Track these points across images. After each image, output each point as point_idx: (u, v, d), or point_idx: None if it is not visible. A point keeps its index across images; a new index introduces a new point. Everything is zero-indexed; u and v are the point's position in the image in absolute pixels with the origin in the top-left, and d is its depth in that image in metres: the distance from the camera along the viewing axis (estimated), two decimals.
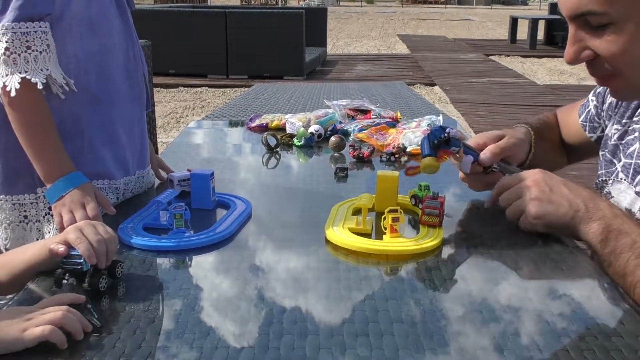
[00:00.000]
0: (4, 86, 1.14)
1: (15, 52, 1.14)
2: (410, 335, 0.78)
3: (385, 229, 1.07)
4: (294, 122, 1.91)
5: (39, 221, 1.29)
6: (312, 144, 1.80)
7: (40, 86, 1.15)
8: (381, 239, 1.08)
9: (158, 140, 3.47)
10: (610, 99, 1.26)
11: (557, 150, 1.42)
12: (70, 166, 1.20)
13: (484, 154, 1.24)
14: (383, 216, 1.09)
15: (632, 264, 0.94)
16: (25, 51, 1.14)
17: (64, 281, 0.88)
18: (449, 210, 1.20)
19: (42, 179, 1.21)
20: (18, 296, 0.91)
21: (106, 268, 0.92)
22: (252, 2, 24.53)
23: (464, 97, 7.07)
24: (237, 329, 0.80)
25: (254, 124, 2.03)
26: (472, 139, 1.30)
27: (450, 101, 6.89)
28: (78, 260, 0.88)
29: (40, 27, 1.15)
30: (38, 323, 0.75)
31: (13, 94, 1.13)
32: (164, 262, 1.02)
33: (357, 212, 1.20)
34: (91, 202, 1.17)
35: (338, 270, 0.98)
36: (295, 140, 1.81)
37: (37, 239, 1.30)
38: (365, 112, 2.17)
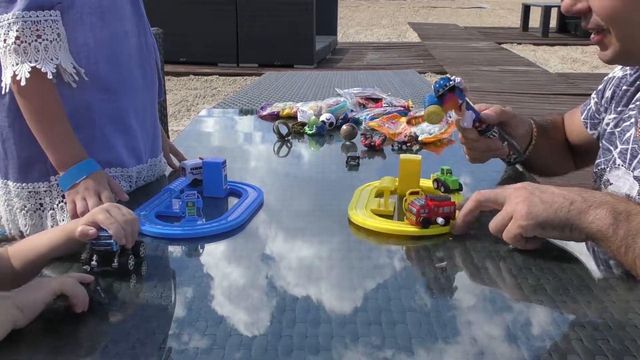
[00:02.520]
0: (14, 75, 1.14)
1: (26, 41, 1.14)
2: (424, 324, 0.78)
3: (407, 211, 1.07)
4: (306, 111, 1.90)
5: (53, 209, 1.30)
6: (324, 133, 1.80)
7: (50, 76, 1.15)
8: (403, 220, 1.08)
9: (169, 128, 3.47)
10: (608, 91, 1.28)
11: (562, 152, 1.43)
12: (84, 153, 1.21)
13: (487, 112, 1.27)
14: (405, 198, 1.09)
15: None
16: (36, 40, 1.14)
17: (92, 262, 0.90)
18: (469, 197, 1.19)
19: (55, 167, 1.21)
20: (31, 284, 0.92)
21: (131, 248, 0.94)
22: None
23: (476, 86, 7.01)
24: (249, 317, 0.81)
25: (265, 113, 2.03)
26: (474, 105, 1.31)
27: None
28: (108, 241, 0.90)
29: (50, 15, 1.15)
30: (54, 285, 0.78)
31: (23, 83, 1.13)
32: (176, 250, 1.03)
33: (379, 194, 1.21)
34: (105, 190, 1.17)
35: (350, 258, 0.98)
36: (306, 128, 1.81)
37: (52, 227, 1.31)
38: (377, 100, 2.16)
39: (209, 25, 8.15)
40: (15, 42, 1.13)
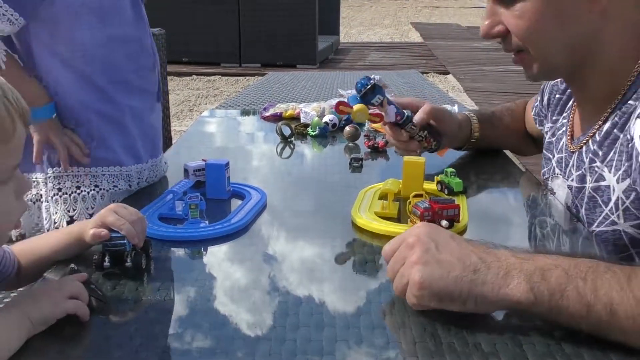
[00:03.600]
0: None
1: None
2: (428, 327, 0.77)
3: (411, 213, 1.07)
4: (308, 112, 1.90)
5: (47, 201, 1.30)
6: (327, 134, 1.79)
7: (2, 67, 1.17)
8: (407, 223, 1.08)
9: (172, 128, 3.47)
10: (546, 96, 1.34)
11: (520, 138, 1.53)
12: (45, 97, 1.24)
13: (419, 114, 1.34)
14: (408, 201, 1.09)
15: (588, 290, 0.72)
16: None
17: (105, 264, 0.92)
18: (473, 199, 1.19)
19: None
20: (36, 286, 0.91)
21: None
22: None
23: (479, 86, 7.01)
24: (253, 320, 0.80)
25: (267, 114, 2.03)
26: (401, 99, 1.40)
27: (464, 90, 6.83)
28: (122, 241, 0.91)
29: None
30: (65, 295, 0.78)
31: None
32: (179, 252, 1.03)
33: (383, 196, 1.21)
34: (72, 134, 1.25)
35: (354, 261, 0.98)
36: (309, 129, 1.80)
37: (46, 219, 1.31)
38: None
39: (211, 25, 8.16)
40: None
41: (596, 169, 1.03)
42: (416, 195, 1.10)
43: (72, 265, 0.89)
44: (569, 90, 1.22)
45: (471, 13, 19.45)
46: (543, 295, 0.73)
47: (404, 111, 1.33)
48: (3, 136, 0.70)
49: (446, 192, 1.23)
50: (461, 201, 1.17)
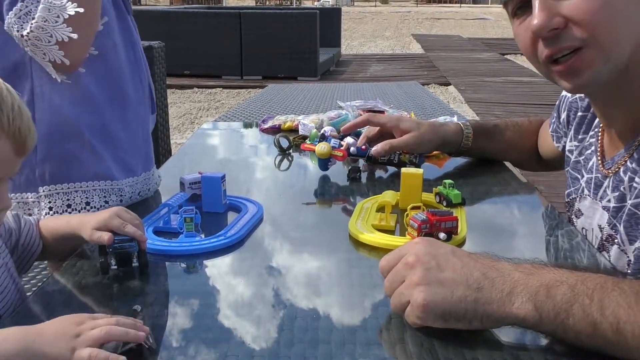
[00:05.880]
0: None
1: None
2: (425, 343, 0.76)
3: (408, 225, 1.05)
4: (307, 124, 1.89)
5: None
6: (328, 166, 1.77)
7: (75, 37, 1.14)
8: (404, 235, 1.06)
9: (172, 141, 3.47)
10: (564, 113, 1.30)
11: (523, 153, 1.52)
12: None
13: (375, 148, 1.44)
14: (406, 213, 1.07)
15: (595, 308, 0.71)
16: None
17: (112, 266, 0.94)
18: (471, 211, 1.17)
19: None
20: (65, 265, 0.97)
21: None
22: (267, 3, 24.54)
23: (480, 97, 7.01)
24: (247, 336, 0.79)
25: (266, 126, 2.02)
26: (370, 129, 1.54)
27: (465, 101, 6.84)
28: (129, 243, 0.93)
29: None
30: (86, 342, 0.70)
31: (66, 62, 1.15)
32: (174, 266, 1.01)
33: (381, 209, 1.19)
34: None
35: (350, 275, 0.96)
36: (307, 141, 1.79)
37: None
38: (379, 112, 2.15)
39: (213, 38, 8.19)
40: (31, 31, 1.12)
41: (635, 184, 0.98)
42: (414, 208, 1.09)
43: (137, 306, 0.81)
44: (592, 108, 1.15)
45: (472, 25, 19.52)
46: (548, 314, 0.71)
47: (364, 147, 1.46)
48: None
49: (445, 204, 1.22)
50: (460, 213, 1.15)
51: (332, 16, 9.81)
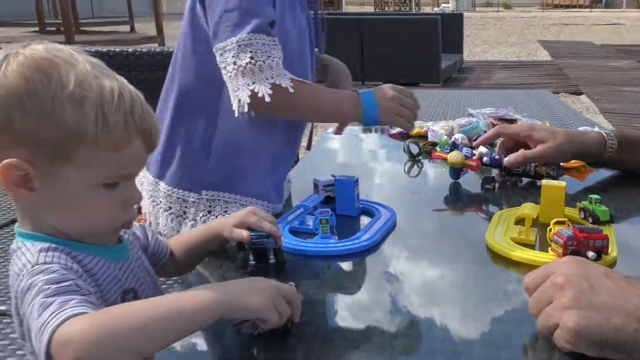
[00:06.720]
0: (255, 93, 1.19)
1: (260, 60, 1.19)
2: None
3: (552, 241, 1.00)
4: (437, 131, 1.86)
5: (195, 220, 1.35)
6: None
7: (291, 90, 1.22)
8: (547, 251, 1.01)
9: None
10: None
11: None
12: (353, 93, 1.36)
13: (508, 159, 1.40)
14: (549, 228, 1.02)
15: None
16: (268, 58, 1.20)
17: (251, 262, 0.97)
18: (620, 230, 1.09)
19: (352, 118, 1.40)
20: (190, 277, 0.99)
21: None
22: (386, 8, 24.54)
23: (616, 107, 6.56)
24: (370, 340, 0.78)
25: (395, 131, 2.00)
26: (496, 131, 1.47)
27: (599, 111, 6.42)
28: (267, 239, 0.96)
29: (274, 41, 1.22)
30: (281, 310, 0.74)
31: (267, 99, 1.19)
32: (308, 266, 1.03)
33: (519, 221, 1.15)
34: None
35: (477, 287, 0.93)
36: (437, 148, 1.76)
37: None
38: (511, 121, 2.07)
39: (333, 44, 8.27)
40: (250, 63, 1.19)
41: None
42: (557, 222, 1.03)
43: (291, 282, 0.83)
44: None
45: (604, 30, 18.34)
46: None
47: (497, 157, 1.43)
48: (116, 145, 0.74)
49: (590, 220, 1.14)
50: (609, 231, 1.07)
51: (453, 22, 9.59)
